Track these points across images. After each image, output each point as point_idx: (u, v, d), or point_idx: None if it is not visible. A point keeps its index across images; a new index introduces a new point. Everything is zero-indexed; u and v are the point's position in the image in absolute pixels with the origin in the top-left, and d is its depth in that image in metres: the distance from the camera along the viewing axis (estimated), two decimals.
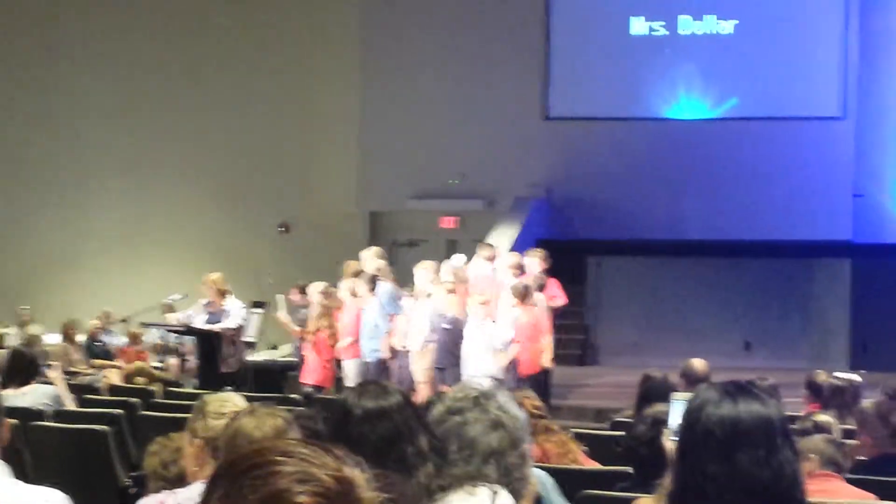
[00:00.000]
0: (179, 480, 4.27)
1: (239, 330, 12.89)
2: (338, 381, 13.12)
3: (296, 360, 14.42)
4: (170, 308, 15.42)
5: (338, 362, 13.21)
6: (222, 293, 12.92)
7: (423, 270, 12.64)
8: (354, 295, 13.00)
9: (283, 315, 14.37)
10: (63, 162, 21.66)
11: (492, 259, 13.47)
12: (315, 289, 13.73)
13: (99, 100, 21.59)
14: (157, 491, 4.13)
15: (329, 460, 1.46)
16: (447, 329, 12.02)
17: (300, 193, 21.15)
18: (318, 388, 12.99)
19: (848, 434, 6.90)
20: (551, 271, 13.84)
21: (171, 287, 16.03)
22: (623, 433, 6.61)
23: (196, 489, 3.72)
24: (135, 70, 21.53)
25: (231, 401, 4.13)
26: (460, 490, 3.23)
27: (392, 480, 1.48)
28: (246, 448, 1.52)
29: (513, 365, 12.07)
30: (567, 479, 5.41)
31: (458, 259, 13.85)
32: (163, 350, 15.78)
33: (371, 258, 13.70)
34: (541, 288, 12.82)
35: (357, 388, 3.52)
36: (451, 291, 12.12)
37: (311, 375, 13.17)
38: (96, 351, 16.29)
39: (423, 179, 20.29)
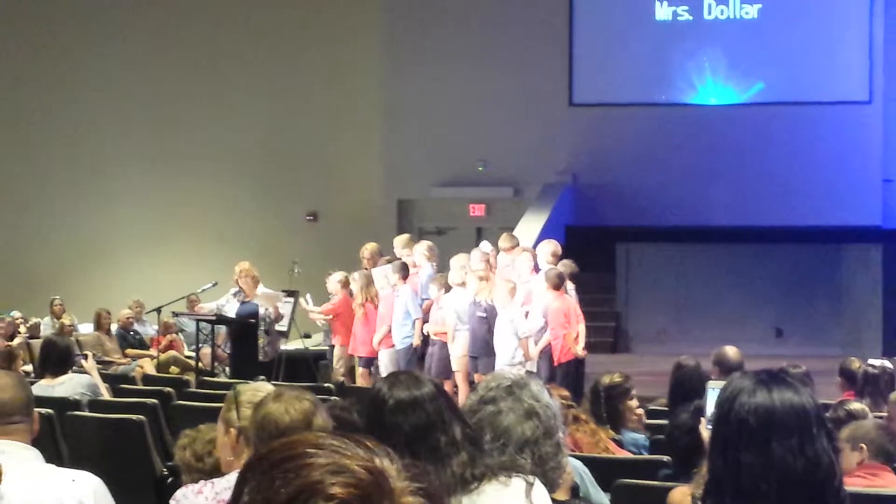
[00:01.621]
0: (215, 471, 4.29)
1: (280, 318, 13.00)
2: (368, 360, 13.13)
3: (327, 348, 14.48)
4: (197, 299, 15.49)
5: None
6: (254, 281, 12.99)
7: (457, 262, 12.66)
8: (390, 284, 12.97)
9: (311, 308, 14.34)
10: (93, 153, 21.76)
11: (510, 250, 13.33)
12: (334, 279, 13.75)
13: (128, 91, 21.68)
14: (194, 482, 4.16)
15: (360, 451, 1.46)
16: (482, 317, 11.99)
17: (328, 182, 21.19)
18: (371, 360, 13.05)
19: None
20: (577, 256, 13.83)
21: (201, 276, 16.09)
22: (665, 422, 6.61)
23: (233, 479, 3.73)
24: (164, 61, 21.60)
25: (263, 390, 4.15)
26: (494, 480, 3.24)
27: (424, 469, 1.49)
28: (276, 440, 1.52)
29: (546, 353, 12.05)
30: (602, 468, 5.42)
31: (485, 245, 13.82)
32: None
33: (401, 246, 13.74)
34: (573, 277, 12.78)
35: (389, 378, 3.51)
36: (484, 279, 12.09)
37: (362, 348, 13.16)
38: (129, 340, 16.36)
39: (449, 167, 20.31)
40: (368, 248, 13.99)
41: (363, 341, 13.15)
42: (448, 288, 12.52)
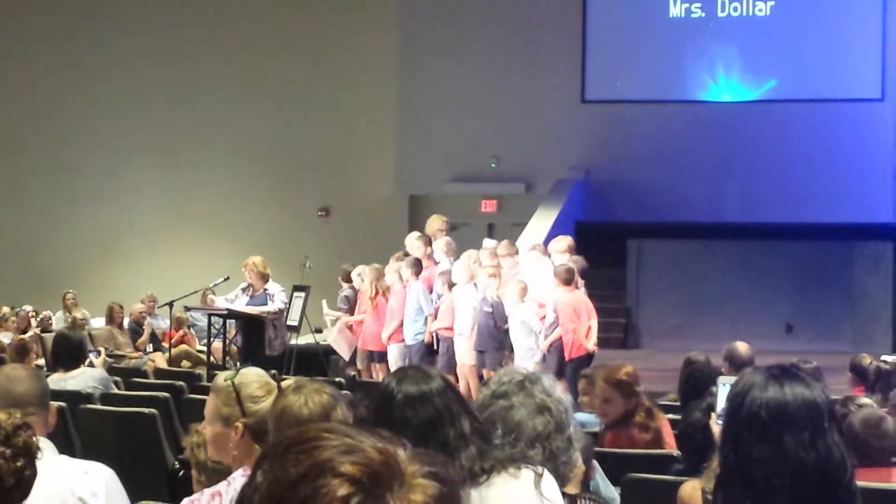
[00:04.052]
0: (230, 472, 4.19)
1: (281, 313, 12.94)
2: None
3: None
4: (209, 293, 15.51)
5: None
6: (263, 277, 12.97)
7: (465, 259, 12.64)
8: (402, 279, 12.96)
9: (334, 313, 14.30)
10: (106, 148, 21.80)
11: (511, 256, 13.23)
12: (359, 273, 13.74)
13: (141, 86, 21.71)
14: (209, 480, 4.10)
15: (372, 437, 1.48)
16: (488, 312, 12.02)
17: (340, 178, 21.20)
18: (383, 354, 13.05)
19: None
20: (587, 252, 13.82)
21: (213, 271, 16.10)
22: (675, 417, 6.61)
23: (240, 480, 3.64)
24: (178, 58, 21.62)
25: (255, 379, 4.01)
26: (504, 472, 3.25)
27: (436, 457, 1.51)
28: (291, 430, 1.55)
29: (556, 348, 12.04)
30: (612, 463, 5.43)
31: (489, 243, 13.82)
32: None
33: (413, 242, 13.71)
34: (583, 273, 12.76)
35: (398, 373, 3.50)
36: (493, 276, 12.10)
37: (372, 342, 13.18)
38: (141, 334, 16.38)
39: (461, 163, 20.33)
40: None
41: (373, 335, 13.15)
42: (452, 285, 12.52)
